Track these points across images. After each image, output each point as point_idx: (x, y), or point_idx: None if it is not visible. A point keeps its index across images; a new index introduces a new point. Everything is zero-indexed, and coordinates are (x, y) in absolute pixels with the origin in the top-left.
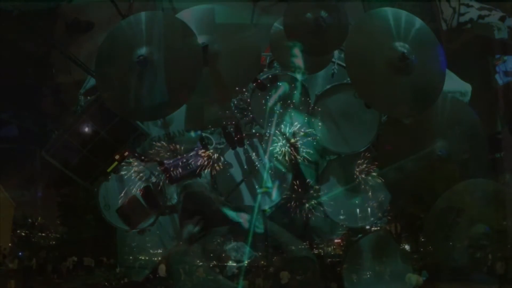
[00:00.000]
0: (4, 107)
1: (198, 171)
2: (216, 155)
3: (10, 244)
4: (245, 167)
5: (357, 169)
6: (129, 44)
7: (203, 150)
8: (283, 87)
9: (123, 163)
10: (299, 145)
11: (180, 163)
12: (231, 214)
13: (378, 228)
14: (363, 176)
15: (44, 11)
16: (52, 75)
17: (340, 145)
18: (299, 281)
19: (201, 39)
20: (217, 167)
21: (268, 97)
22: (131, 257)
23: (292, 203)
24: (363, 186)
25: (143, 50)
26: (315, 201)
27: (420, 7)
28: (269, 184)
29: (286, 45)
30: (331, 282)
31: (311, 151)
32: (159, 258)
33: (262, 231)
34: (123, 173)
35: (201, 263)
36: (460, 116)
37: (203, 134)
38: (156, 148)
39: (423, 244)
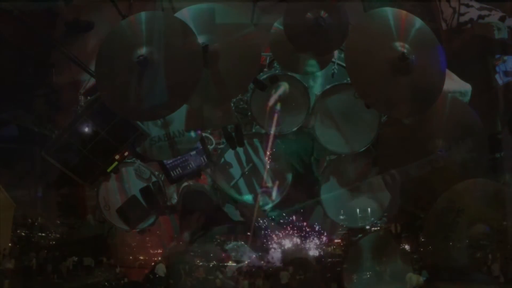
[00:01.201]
0: (4, 107)
1: (198, 171)
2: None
3: (10, 244)
4: (245, 166)
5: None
6: (129, 44)
7: None
8: (283, 87)
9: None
10: None
11: (180, 163)
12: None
13: (378, 228)
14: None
15: (44, 11)
16: (51, 75)
17: (340, 145)
18: (299, 281)
19: (201, 39)
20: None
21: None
22: (131, 257)
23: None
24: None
25: (143, 50)
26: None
27: (420, 7)
28: (269, 184)
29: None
30: (331, 282)
31: None
32: (159, 258)
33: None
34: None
35: (201, 263)
36: (460, 116)
37: (203, 134)
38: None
39: (423, 244)
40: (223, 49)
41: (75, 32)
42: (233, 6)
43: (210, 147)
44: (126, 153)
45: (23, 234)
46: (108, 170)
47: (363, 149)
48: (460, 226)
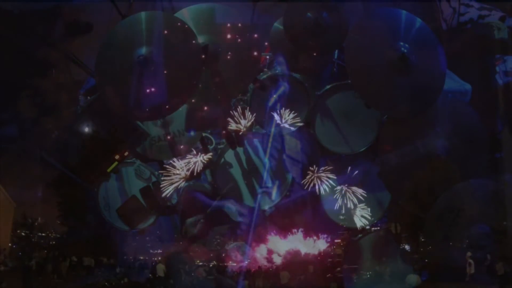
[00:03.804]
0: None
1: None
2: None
3: (10, 244)
4: (245, 166)
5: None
6: (129, 44)
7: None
8: (283, 87)
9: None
10: None
11: None
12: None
13: (378, 228)
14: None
15: (44, 11)
16: (51, 75)
17: (340, 145)
18: (299, 281)
19: (201, 39)
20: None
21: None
22: (131, 257)
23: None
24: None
25: (143, 50)
26: None
27: (420, 7)
28: (269, 184)
29: None
30: (331, 282)
31: None
32: (159, 258)
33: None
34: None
35: (201, 263)
36: (460, 116)
37: (203, 134)
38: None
39: (423, 244)
40: (223, 49)
41: (75, 33)
42: (233, 6)
43: (210, 147)
44: (126, 153)
45: (23, 234)
46: (108, 170)
47: (363, 149)
48: (460, 226)
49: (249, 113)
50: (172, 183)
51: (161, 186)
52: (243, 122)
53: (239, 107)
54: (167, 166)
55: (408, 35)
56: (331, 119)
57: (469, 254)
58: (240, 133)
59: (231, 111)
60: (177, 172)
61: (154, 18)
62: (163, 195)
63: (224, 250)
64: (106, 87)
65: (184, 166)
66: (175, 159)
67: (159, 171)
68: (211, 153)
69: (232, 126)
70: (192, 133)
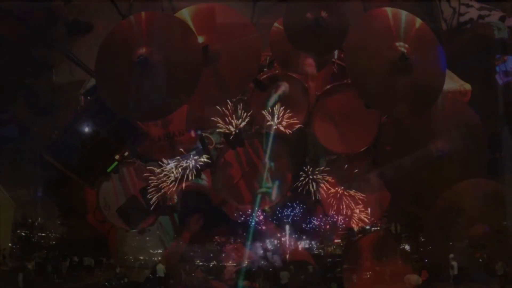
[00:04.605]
0: (4, 106)
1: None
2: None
3: (10, 244)
4: (245, 167)
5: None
6: (129, 44)
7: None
8: (283, 87)
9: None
10: None
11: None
12: None
13: (378, 228)
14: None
15: (45, 11)
16: (51, 75)
17: (340, 145)
18: (299, 281)
19: (201, 39)
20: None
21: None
22: (131, 257)
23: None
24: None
25: (143, 50)
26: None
27: (420, 7)
28: (269, 184)
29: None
30: (331, 282)
31: None
32: (159, 258)
33: None
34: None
35: (200, 263)
36: (460, 116)
37: (203, 134)
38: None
39: (423, 244)
40: (223, 49)
41: (75, 33)
42: (233, 6)
43: (210, 147)
44: (126, 153)
45: (23, 234)
46: (108, 170)
47: (363, 149)
48: (460, 226)
49: (244, 112)
50: (160, 188)
51: (149, 191)
52: (234, 122)
53: (230, 106)
54: (153, 168)
55: (408, 35)
56: (331, 119)
57: (451, 256)
58: (232, 135)
59: (224, 111)
60: (166, 175)
61: (154, 18)
62: (152, 202)
63: (222, 251)
64: (106, 87)
65: (173, 169)
66: (164, 161)
67: (144, 174)
68: (208, 155)
69: (222, 128)
70: (192, 133)
